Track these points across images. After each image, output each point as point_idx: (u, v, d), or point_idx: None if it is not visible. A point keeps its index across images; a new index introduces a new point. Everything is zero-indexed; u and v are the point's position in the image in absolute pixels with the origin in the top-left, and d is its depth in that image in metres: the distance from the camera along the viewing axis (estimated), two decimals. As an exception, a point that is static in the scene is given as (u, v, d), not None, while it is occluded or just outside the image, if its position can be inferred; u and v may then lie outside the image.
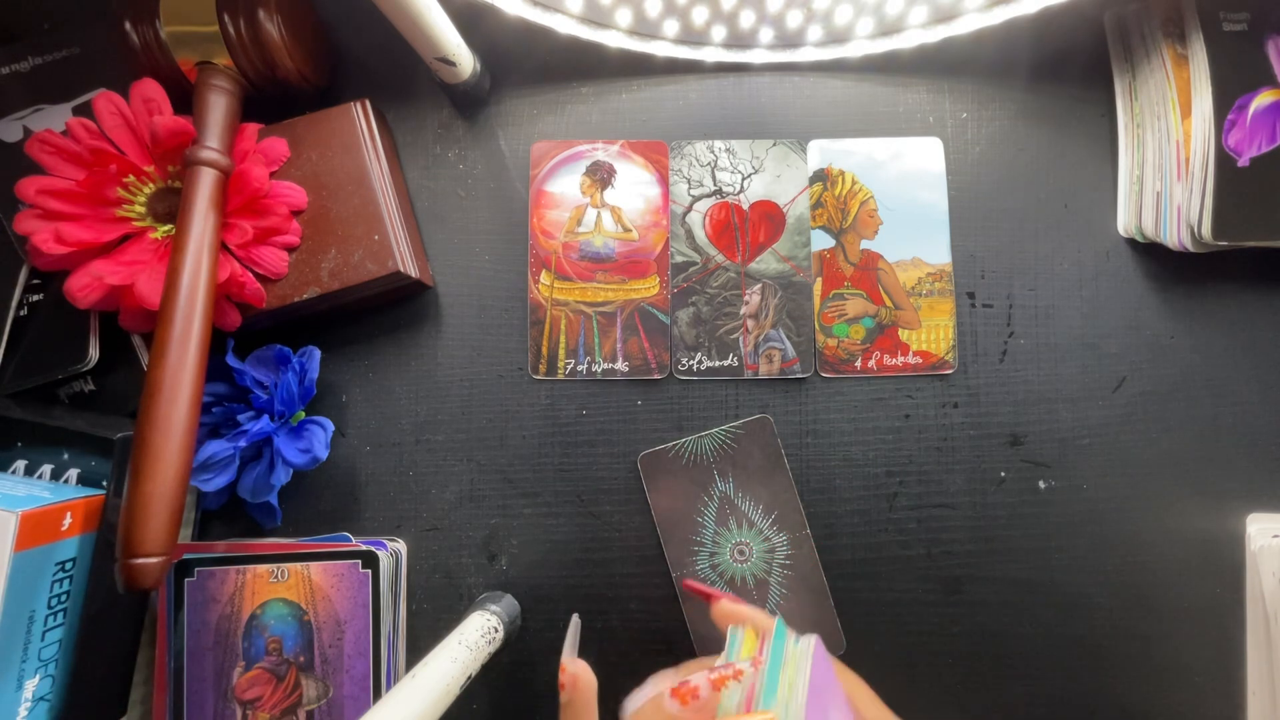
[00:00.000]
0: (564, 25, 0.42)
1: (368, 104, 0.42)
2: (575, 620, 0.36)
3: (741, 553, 0.43)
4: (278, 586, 0.40)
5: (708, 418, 0.44)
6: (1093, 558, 0.43)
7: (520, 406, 0.44)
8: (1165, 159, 0.41)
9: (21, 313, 0.41)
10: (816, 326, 0.44)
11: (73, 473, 0.39)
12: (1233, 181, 0.39)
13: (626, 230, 0.45)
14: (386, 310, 0.45)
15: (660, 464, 0.43)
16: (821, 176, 0.45)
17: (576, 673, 0.32)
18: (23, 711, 0.34)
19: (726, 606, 0.34)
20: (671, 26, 0.43)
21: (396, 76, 0.46)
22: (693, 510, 0.43)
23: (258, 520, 0.43)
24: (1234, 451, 0.43)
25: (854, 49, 0.44)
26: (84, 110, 0.42)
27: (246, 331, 0.42)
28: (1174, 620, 0.43)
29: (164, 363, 0.34)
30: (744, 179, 0.45)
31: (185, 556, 0.40)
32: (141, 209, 0.39)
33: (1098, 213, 0.45)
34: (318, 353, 0.42)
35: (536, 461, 0.44)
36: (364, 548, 0.40)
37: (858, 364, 0.44)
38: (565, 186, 0.45)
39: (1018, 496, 0.44)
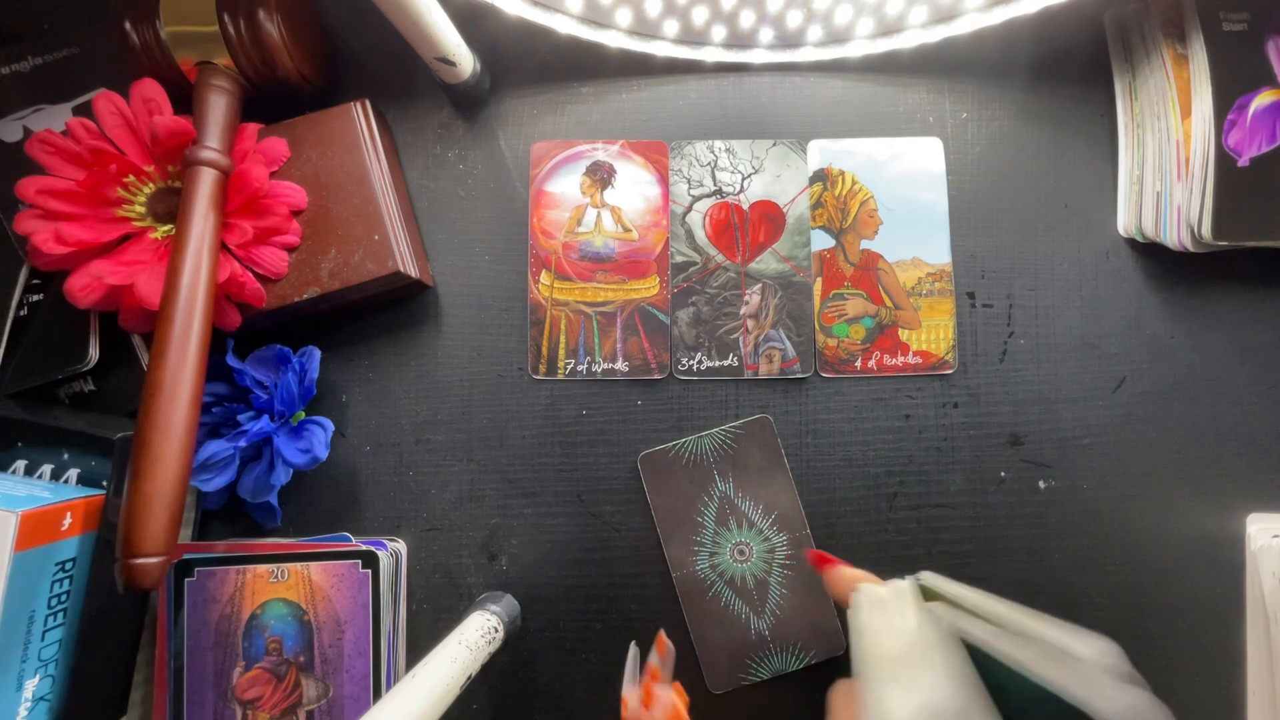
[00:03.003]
0: (564, 25, 0.42)
1: (368, 104, 0.42)
2: (634, 649, 0.37)
3: (741, 553, 0.43)
4: (278, 586, 0.40)
5: (708, 418, 0.44)
6: (1093, 558, 0.43)
7: (520, 406, 0.44)
8: (1165, 159, 0.41)
9: (21, 313, 0.41)
10: (816, 326, 0.44)
11: (73, 473, 0.39)
12: (1233, 181, 0.39)
13: (626, 230, 0.45)
14: (386, 310, 0.45)
15: (660, 464, 0.43)
16: (821, 176, 0.45)
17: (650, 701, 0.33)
18: (23, 711, 0.34)
19: (844, 571, 0.34)
20: (671, 26, 0.43)
21: (396, 76, 0.46)
22: (693, 510, 0.43)
23: (258, 520, 0.43)
24: (1234, 451, 0.43)
25: (854, 49, 0.44)
26: (84, 110, 0.42)
27: (246, 331, 0.42)
28: (1174, 620, 0.43)
29: (164, 363, 0.34)
30: (744, 179, 0.45)
31: (185, 556, 0.40)
32: (141, 209, 0.39)
33: (1098, 213, 0.45)
34: (318, 353, 0.42)
35: (536, 461, 0.44)
36: (364, 548, 0.40)
37: (858, 364, 0.44)
38: (565, 186, 0.45)
39: (1018, 496, 0.44)
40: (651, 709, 0.34)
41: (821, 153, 0.45)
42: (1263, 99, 0.39)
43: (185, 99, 0.39)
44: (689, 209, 0.45)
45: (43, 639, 0.35)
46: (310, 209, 0.41)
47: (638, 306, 0.44)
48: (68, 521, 0.36)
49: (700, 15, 0.41)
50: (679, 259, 0.45)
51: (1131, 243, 0.45)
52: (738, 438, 0.43)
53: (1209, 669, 0.42)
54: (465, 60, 0.42)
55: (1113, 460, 0.44)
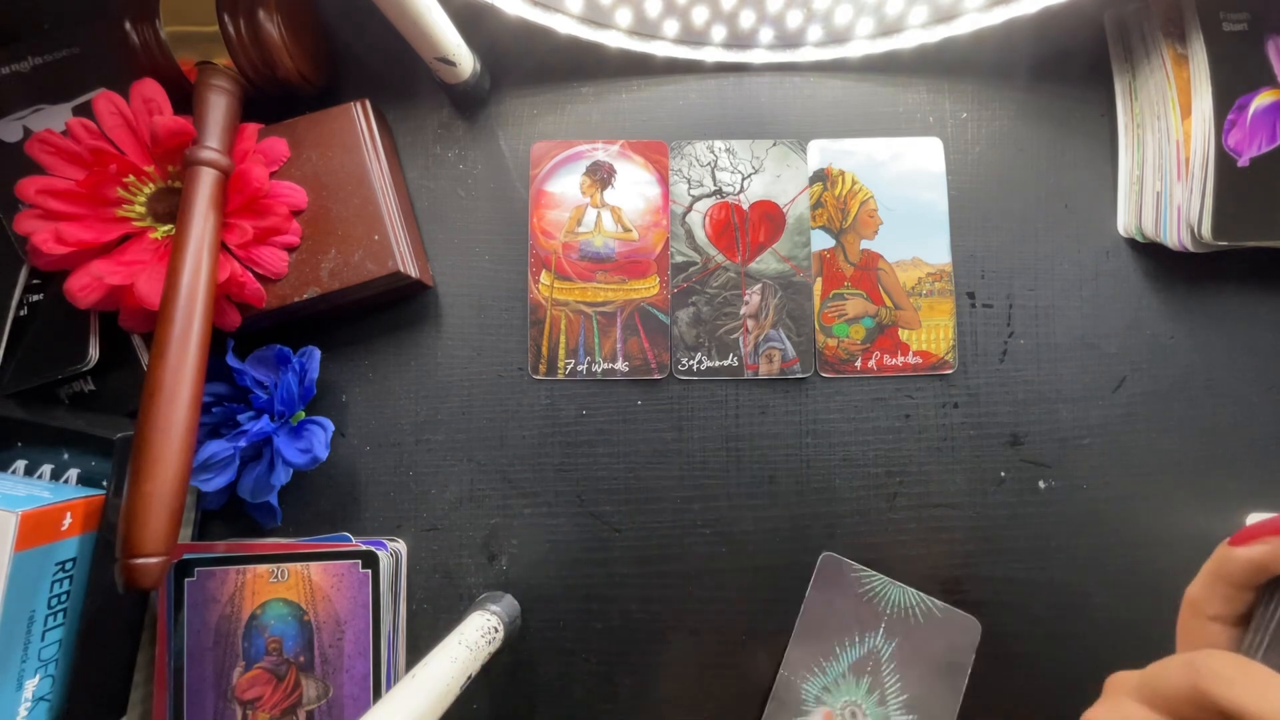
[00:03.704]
0: (564, 25, 0.42)
1: (368, 104, 0.42)
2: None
3: (853, 714, 0.40)
4: (278, 586, 0.40)
5: (708, 418, 0.44)
6: (1093, 558, 0.43)
7: (520, 406, 0.44)
8: (1165, 159, 0.41)
9: (21, 313, 0.41)
10: (816, 326, 0.44)
11: (73, 473, 0.39)
12: (1233, 181, 0.39)
13: (626, 230, 0.45)
14: (386, 310, 0.45)
15: (839, 574, 0.42)
16: (821, 176, 0.45)
17: None
18: (23, 711, 0.34)
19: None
20: (671, 26, 0.43)
21: (396, 76, 0.46)
22: (838, 638, 0.41)
23: (258, 520, 0.43)
24: (1234, 451, 0.43)
25: (854, 49, 0.44)
26: (84, 110, 0.42)
27: (246, 331, 0.42)
28: (1174, 620, 0.42)
29: (164, 363, 0.34)
30: (744, 179, 0.45)
31: (185, 556, 0.40)
32: (141, 209, 0.39)
33: (1098, 213, 0.45)
34: (318, 353, 0.42)
35: (536, 461, 0.44)
36: (364, 548, 0.40)
37: (858, 364, 0.44)
38: (565, 186, 0.45)
39: (1018, 496, 0.44)
40: None
41: (821, 153, 0.45)
42: (1263, 99, 0.39)
43: (185, 99, 0.39)
44: (689, 209, 0.45)
45: (43, 639, 0.35)
46: (310, 209, 0.41)
47: (638, 306, 0.44)
48: (68, 521, 0.36)
49: (700, 15, 0.41)
50: (679, 259, 0.45)
51: (1131, 243, 0.45)
52: (933, 618, 0.41)
53: (1209, 669, 0.42)
54: (465, 60, 0.42)
55: (1113, 460, 0.44)
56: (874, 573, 0.42)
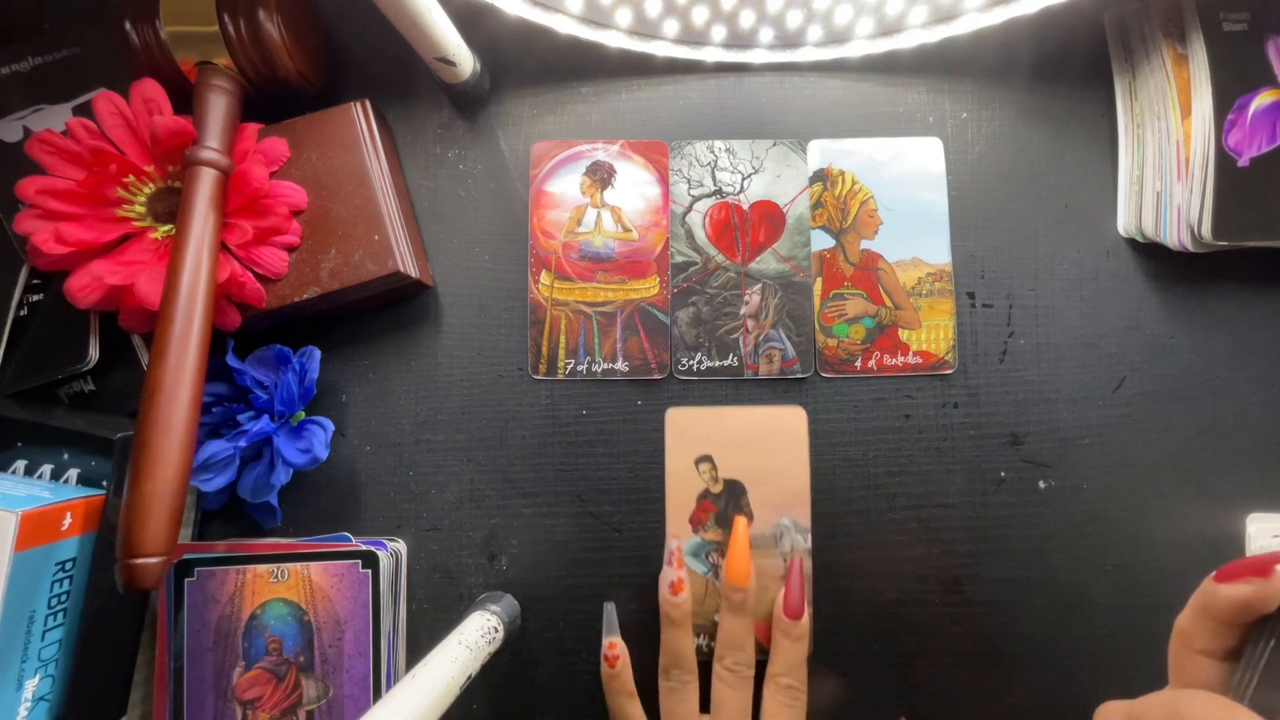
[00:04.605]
0: (564, 25, 0.42)
1: (368, 104, 0.42)
2: (609, 606, 0.42)
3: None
4: (278, 586, 0.40)
5: (708, 418, 0.44)
6: (1093, 558, 0.43)
7: (520, 406, 0.44)
8: (1165, 159, 0.41)
9: (21, 313, 0.41)
10: (816, 326, 0.44)
11: (73, 473, 0.39)
12: (1233, 181, 0.39)
13: (626, 230, 0.45)
14: (386, 310, 0.45)
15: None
16: (821, 176, 0.45)
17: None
18: (23, 711, 0.34)
19: None
20: (671, 26, 0.43)
21: (396, 76, 0.46)
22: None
23: (258, 520, 0.43)
24: (1234, 451, 0.43)
25: (854, 49, 0.44)
26: (84, 110, 0.42)
27: (246, 331, 0.42)
28: (1174, 620, 0.43)
29: (164, 363, 0.34)
30: (744, 179, 0.45)
31: (185, 556, 0.40)
32: (141, 209, 0.39)
33: (1098, 213, 0.45)
34: (318, 353, 0.42)
35: (536, 461, 0.44)
36: (364, 548, 0.40)
37: (858, 364, 0.44)
38: (565, 186, 0.45)
39: (1018, 496, 0.44)
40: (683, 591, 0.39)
41: (821, 153, 0.45)
42: (1263, 99, 0.39)
43: (185, 99, 0.39)
44: (689, 209, 0.45)
45: (43, 639, 0.35)
46: (310, 209, 0.41)
47: (638, 306, 0.44)
48: (68, 521, 0.36)
49: (700, 15, 0.41)
50: (679, 259, 0.45)
51: (1131, 243, 0.45)
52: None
53: (1209, 669, 0.42)
54: (465, 60, 0.42)
55: (1113, 460, 0.44)
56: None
